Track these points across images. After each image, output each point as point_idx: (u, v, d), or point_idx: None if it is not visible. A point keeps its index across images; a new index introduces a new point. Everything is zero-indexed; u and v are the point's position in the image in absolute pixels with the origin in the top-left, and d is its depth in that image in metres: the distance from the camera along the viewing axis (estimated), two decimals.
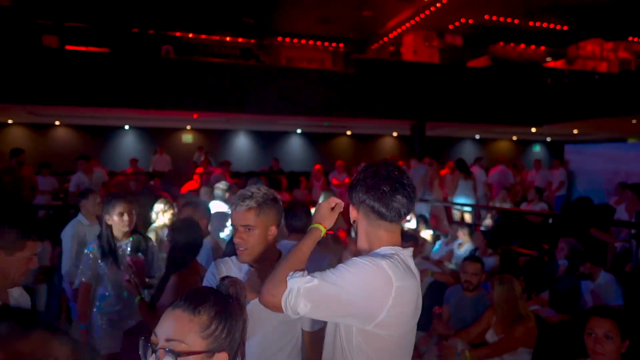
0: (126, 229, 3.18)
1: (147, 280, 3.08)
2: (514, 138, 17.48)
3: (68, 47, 10.33)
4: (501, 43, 15.60)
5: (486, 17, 13.29)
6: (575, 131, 14.57)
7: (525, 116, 12.29)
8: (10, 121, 12.63)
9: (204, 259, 3.19)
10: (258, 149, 14.72)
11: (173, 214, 4.09)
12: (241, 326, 1.19)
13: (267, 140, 14.77)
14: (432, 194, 8.88)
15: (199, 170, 10.15)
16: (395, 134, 15.85)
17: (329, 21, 13.61)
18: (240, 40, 14.24)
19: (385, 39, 15.48)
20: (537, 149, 17.99)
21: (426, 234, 6.44)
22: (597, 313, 2.21)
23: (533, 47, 16.08)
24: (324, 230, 1.61)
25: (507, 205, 8.29)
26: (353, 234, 1.60)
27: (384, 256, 1.44)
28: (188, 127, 14.11)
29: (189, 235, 2.66)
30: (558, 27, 14.25)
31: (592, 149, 12.19)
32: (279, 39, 15.02)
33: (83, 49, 10.39)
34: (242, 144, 14.70)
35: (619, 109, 10.34)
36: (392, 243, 1.52)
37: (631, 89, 10.15)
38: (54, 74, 9.10)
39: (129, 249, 3.21)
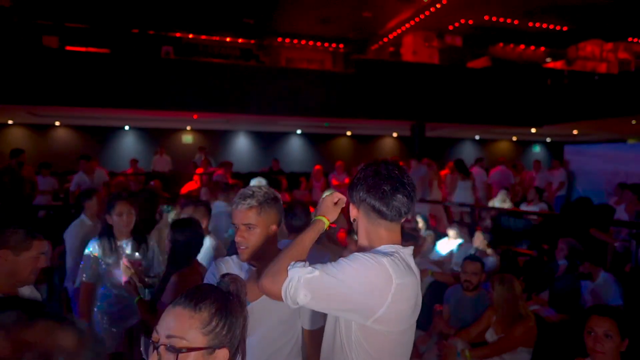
0: (126, 228, 3.18)
1: (147, 280, 3.09)
2: (514, 139, 17.49)
3: (68, 48, 10.34)
4: (501, 44, 15.62)
5: (486, 17, 13.31)
6: (575, 132, 14.58)
7: (525, 117, 12.30)
8: (10, 122, 12.64)
9: (204, 259, 3.20)
10: (258, 149, 14.73)
11: (177, 214, 4.11)
12: (242, 323, 1.20)
13: (267, 141, 14.78)
14: (431, 194, 8.89)
15: (199, 170, 10.16)
16: (395, 134, 15.86)
17: (329, 22, 13.63)
18: (240, 40, 14.26)
19: (385, 39, 15.50)
20: (537, 149, 17.99)
21: (426, 234, 6.43)
22: (597, 312, 2.22)
23: (533, 47, 16.11)
24: (327, 223, 1.62)
25: (507, 206, 8.29)
26: (355, 237, 1.61)
27: (385, 254, 1.45)
28: (188, 128, 14.12)
29: (189, 234, 2.67)
30: (558, 27, 14.27)
31: (592, 150, 12.19)
32: (279, 39, 15.04)
33: (83, 49, 10.39)
34: (242, 145, 14.70)
35: (619, 110, 10.35)
36: (392, 241, 1.53)
37: (631, 90, 10.17)
38: (54, 74, 9.11)
39: (129, 248, 3.21)
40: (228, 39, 14.14)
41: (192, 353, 1.09)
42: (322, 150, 15.22)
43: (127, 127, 13.67)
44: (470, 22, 13.69)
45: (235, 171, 10.77)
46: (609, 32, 14.44)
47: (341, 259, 1.43)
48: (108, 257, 3.12)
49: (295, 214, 2.96)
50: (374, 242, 1.53)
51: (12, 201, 6.65)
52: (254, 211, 1.86)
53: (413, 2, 12.33)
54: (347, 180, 9.65)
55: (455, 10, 12.67)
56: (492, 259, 5.23)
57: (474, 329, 3.38)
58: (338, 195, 1.68)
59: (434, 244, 6.20)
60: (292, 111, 10.63)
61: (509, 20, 13.56)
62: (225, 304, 1.17)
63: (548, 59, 15.90)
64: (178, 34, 13.26)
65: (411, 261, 1.53)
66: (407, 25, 14.14)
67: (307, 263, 1.42)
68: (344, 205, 1.68)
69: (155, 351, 1.10)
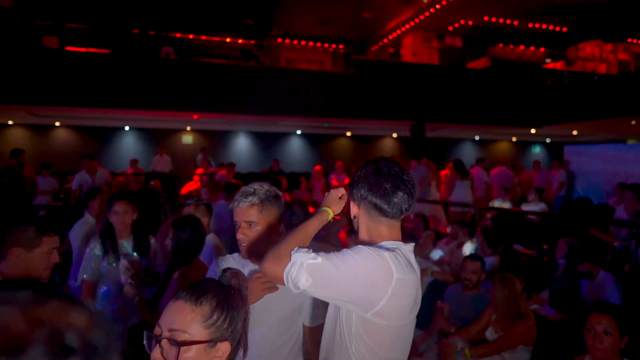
0: (123, 227, 3.20)
1: (147, 279, 3.10)
2: (514, 139, 17.50)
3: (69, 48, 10.35)
4: (501, 44, 15.64)
5: (486, 18, 13.33)
6: (574, 132, 14.59)
7: (525, 117, 12.31)
8: (10, 122, 12.65)
9: (206, 257, 3.21)
10: (258, 150, 14.74)
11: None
12: (243, 316, 1.21)
13: (267, 141, 14.78)
14: (429, 194, 8.92)
15: (199, 171, 10.18)
16: (395, 135, 15.87)
17: (329, 22, 13.65)
18: (240, 41, 14.27)
19: (385, 40, 15.53)
20: (536, 150, 18.00)
21: (426, 234, 6.44)
22: (597, 309, 2.23)
23: (532, 48, 16.12)
24: (331, 214, 1.64)
25: (506, 206, 8.31)
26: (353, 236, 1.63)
27: (387, 249, 1.46)
28: (188, 128, 14.13)
29: (191, 232, 2.68)
30: (557, 28, 14.29)
31: (592, 150, 12.19)
32: (279, 40, 15.05)
33: (83, 50, 10.41)
34: (242, 145, 14.71)
35: (619, 110, 10.36)
36: (393, 238, 1.55)
37: (630, 90, 10.18)
38: (55, 75, 9.12)
39: (129, 247, 3.23)
40: (228, 40, 14.16)
41: (194, 346, 1.10)
42: (322, 151, 15.23)
43: (127, 128, 13.68)
44: (470, 22, 13.71)
45: (236, 171, 10.78)
46: (609, 32, 14.47)
47: (345, 249, 1.44)
48: (109, 256, 3.13)
49: (294, 212, 2.98)
50: (375, 239, 1.54)
51: (13, 201, 6.66)
52: (255, 209, 1.88)
53: (413, 3, 12.36)
54: (347, 181, 9.66)
55: (455, 11, 12.69)
56: (492, 259, 5.24)
57: (474, 328, 3.39)
58: (342, 190, 1.71)
59: (434, 244, 6.21)
60: (292, 111, 10.64)
61: (508, 21, 13.59)
62: (226, 297, 1.18)
63: (548, 60, 15.92)
64: (178, 35, 13.28)
65: (412, 258, 1.54)
66: (407, 26, 14.17)
67: (311, 250, 1.43)
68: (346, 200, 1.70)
69: (157, 345, 1.11)
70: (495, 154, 16.20)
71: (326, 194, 1.73)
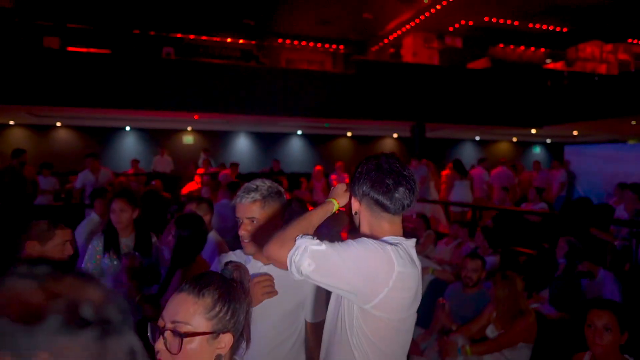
0: (121, 225, 3.22)
1: (149, 277, 3.11)
2: (514, 139, 17.51)
3: (69, 49, 10.36)
4: (501, 45, 15.66)
5: (486, 19, 13.35)
6: (575, 132, 14.60)
7: (525, 118, 12.32)
8: (11, 122, 12.66)
9: (208, 254, 3.22)
10: (258, 150, 14.75)
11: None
12: (245, 308, 1.22)
13: (268, 142, 14.79)
14: (430, 194, 8.93)
15: (200, 171, 10.20)
16: (395, 135, 15.88)
17: (329, 23, 13.67)
18: (240, 41, 14.29)
19: (386, 40, 15.54)
20: (537, 150, 18.01)
21: (426, 233, 6.45)
22: (597, 306, 2.24)
23: (533, 49, 16.14)
24: (336, 206, 1.67)
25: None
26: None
27: (389, 243, 1.47)
28: (189, 129, 14.14)
29: (193, 230, 2.68)
30: (557, 29, 14.31)
31: (592, 150, 12.21)
32: (279, 40, 15.08)
33: (84, 50, 10.41)
34: (242, 145, 14.72)
35: (619, 110, 10.37)
36: (394, 233, 1.56)
37: (630, 91, 10.19)
38: (56, 75, 9.13)
39: (131, 246, 3.24)
40: (229, 40, 14.17)
41: (197, 337, 1.11)
42: (323, 151, 15.24)
43: (128, 128, 13.69)
44: (470, 23, 13.72)
45: None
46: (609, 33, 14.48)
47: (349, 240, 1.45)
48: (110, 253, 3.15)
49: (292, 210, 2.99)
50: (376, 235, 1.55)
51: (14, 201, 6.68)
52: (257, 205, 1.89)
53: (413, 4, 12.37)
54: (347, 181, 9.66)
55: (455, 11, 12.71)
56: (492, 258, 5.25)
57: (475, 325, 3.40)
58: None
59: (434, 244, 6.23)
60: (292, 112, 10.65)
61: (508, 22, 13.60)
62: (228, 290, 1.19)
63: (548, 60, 15.93)
64: (179, 35, 13.30)
65: (413, 253, 1.55)
66: (407, 27, 14.18)
67: (316, 237, 1.44)
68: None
69: (161, 336, 1.12)
70: (496, 155, 16.21)
71: (332, 187, 1.75)
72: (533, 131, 13.44)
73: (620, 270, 5.11)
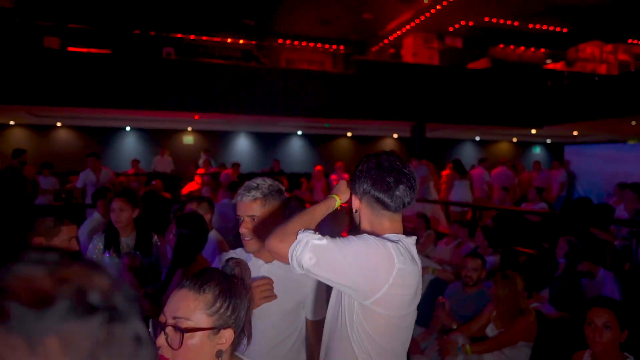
0: (120, 224, 3.23)
1: (149, 275, 3.12)
2: (514, 140, 17.52)
3: (70, 49, 10.37)
4: (501, 45, 15.66)
5: (486, 19, 13.36)
6: (575, 133, 14.61)
7: (525, 118, 12.32)
8: (12, 122, 12.67)
9: (209, 253, 3.22)
10: (259, 150, 14.76)
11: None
12: (246, 305, 1.23)
13: (268, 142, 14.80)
14: (429, 194, 8.94)
15: (200, 171, 10.21)
16: (395, 135, 15.89)
17: (329, 23, 13.68)
18: (241, 41, 14.30)
19: (386, 41, 15.55)
20: (537, 150, 18.02)
21: (427, 233, 6.46)
22: (597, 304, 2.24)
23: (533, 49, 16.14)
24: (339, 202, 1.68)
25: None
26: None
27: (390, 240, 1.48)
28: (189, 129, 14.15)
29: (194, 229, 2.68)
30: (558, 29, 14.31)
31: (592, 150, 12.22)
32: (279, 40, 15.09)
33: (85, 50, 10.42)
34: (242, 145, 14.73)
35: (619, 111, 10.37)
36: (395, 231, 1.57)
37: (630, 91, 10.19)
38: (56, 75, 9.14)
39: (131, 245, 3.25)
40: (229, 40, 14.18)
41: (198, 333, 1.12)
42: (323, 151, 15.25)
43: (128, 128, 13.70)
44: (471, 23, 13.73)
45: None
46: (609, 33, 14.49)
47: (350, 236, 1.46)
48: (110, 252, 3.16)
49: (291, 208, 2.99)
50: (377, 233, 1.56)
51: (14, 201, 6.68)
52: (258, 203, 1.90)
53: (413, 4, 12.38)
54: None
55: (455, 11, 12.72)
56: (492, 258, 5.26)
57: (475, 324, 3.40)
58: None
59: (435, 243, 6.23)
60: (292, 112, 10.66)
61: (509, 22, 13.61)
62: (229, 286, 1.20)
63: (548, 61, 15.94)
64: (179, 35, 13.31)
65: (414, 251, 1.56)
66: (408, 27, 14.19)
67: (318, 232, 1.45)
68: None
69: (162, 332, 1.13)
70: (496, 155, 16.22)
71: (336, 184, 1.76)
72: (533, 131, 13.45)
73: (620, 270, 5.11)
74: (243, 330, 1.22)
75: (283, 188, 2.02)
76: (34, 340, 0.35)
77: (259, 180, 1.96)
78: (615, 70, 14.51)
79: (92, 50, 10.53)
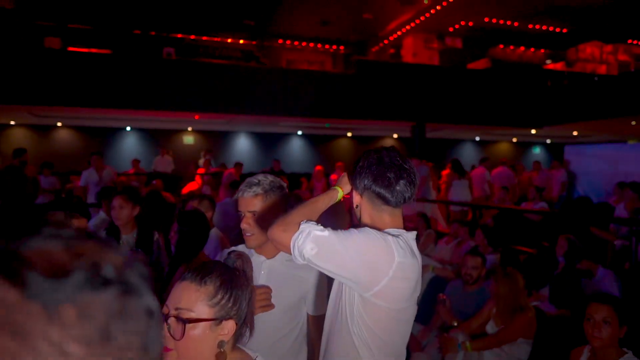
0: (120, 222, 3.24)
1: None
2: (514, 140, 17.53)
3: (70, 49, 10.38)
4: (501, 45, 15.67)
5: (486, 19, 13.37)
6: (575, 133, 14.62)
7: (525, 118, 12.33)
8: (12, 122, 12.69)
9: (210, 250, 3.24)
10: (259, 150, 14.77)
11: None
12: (247, 296, 1.24)
13: (268, 142, 14.82)
14: (429, 194, 8.96)
15: (201, 171, 10.22)
16: (395, 135, 15.90)
17: (329, 24, 13.69)
18: (241, 42, 14.31)
19: (386, 41, 15.56)
20: (537, 151, 18.03)
21: (427, 232, 6.48)
22: (596, 299, 2.25)
23: (533, 49, 16.15)
24: (341, 193, 1.71)
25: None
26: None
27: (391, 234, 1.50)
28: (189, 129, 14.17)
29: (196, 226, 2.70)
30: (557, 29, 14.32)
31: (592, 150, 12.24)
32: (280, 41, 15.10)
33: (85, 50, 10.43)
34: (243, 145, 14.75)
35: (619, 111, 10.38)
36: (395, 226, 1.58)
37: (630, 91, 10.20)
38: (57, 75, 9.15)
39: (132, 242, 3.26)
40: (229, 40, 14.20)
41: (200, 324, 1.14)
42: (323, 151, 15.26)
43: (128, 128, 13.72)
44: (471, 24, 13.74)
45: None
46: (609, 34, 14.50)
47: (351, 229, 1.47)
48: None
49: (290, 205, 3.01)
50: (377, 228, 1.57)
51: (15, 200, 6.69)
52: (259, 199, 1.91)
53: (413, 4, 12.39)
54: None
55: (455, 12, 12.73)
56: (492, 257, 5.27)
57: (475, 322, 3.41)
58: None
59: (435, 243, 6.25)
60: (292, 112, 10.67)
61: (508, 22, 13.62)
62: (230, 277, 1.22)
63: (548, 61, 15.94)
64: (179, 35, 13.32)
65: (414, 245, 1.57)
66: (408, 27, 14.20)
67: (320, 224, 1.46)
68: None
69: (165, 323, 1.14)
70: (496, 155, 16.22)
71: (340, 176, 1.78)
72: (533, 131, 13.45)
73: (620, 269, 5.12)
74: (245, 322, 1.23)
75: (284, 184, 2.03)
76: (51, 307, 0.37)
77: (260, 177, 1.97)
78: (615, 71, 14.52)
79: (93, 50, 10.54)
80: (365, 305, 1.47)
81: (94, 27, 12.53)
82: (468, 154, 16.34)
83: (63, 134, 13.34)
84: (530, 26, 13.94)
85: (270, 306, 1.80)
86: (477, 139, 17.11)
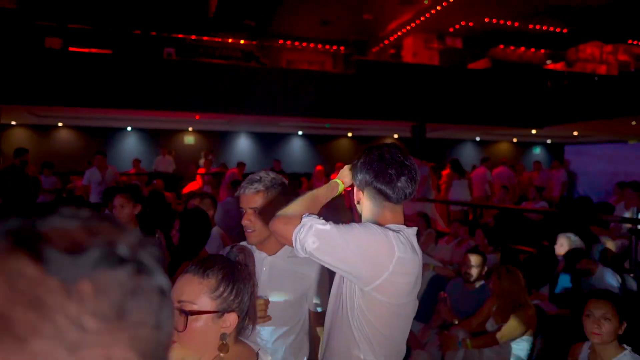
0: (124, 220, 3.25)
1: None
2: (514, 140, 17.54)
3: (71, 49, 10.39)
4: (501, 46, 15.67)
5: (486, 20, 13.37)
6: (575, 133, 14.62)
7: (526, 118, 12.33)
8: (13, 122, 12.70)
9: (212, 249, 3.25)
10: (259, 150, 14.79)
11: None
12: (249, 289, 1.25)
13: (268, 142, 14.83)
14: (430, 194, 8.97)
15: (201, 171, 10.23)
16: (395, 135, 15.90)
17: (330, 24, 13.70)
18: (241, 42, 14.32)
19: (386, 41, 15.57)
20: (537, 151, 18.03)
21: (427, 232, 6.48)
22: (596, 296, 2.26)
23: (533, 49, 16.15)
24: (342, 186, 1.71)
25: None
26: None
27: (392, 230, 1.51)
28: (190, 129, 14.18)
29: (197, 225, 2.71)
30: (558, 30, 14.33)
31: (592, 150, 12.25)
32: (280, 41, 15.11)
33: (86, 50, 10.45)
34: (243, 146, 14.76)
35: (619, 111, 10.38)
36: (396, 222, 1.60)
37: (630, 91, 10.20)
38: (57, 75, 9.16)
39: None
40: (229, 41, 14.20)
41: (202, 316, 1.15)
42: (323, 151, 15.27)
43: (129, 128, 13.74)
44: (471, 24, 13.75)
45: None
46: (609, 34, 14.50)
47: (353, 223, 1.49)
48: None
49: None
50: (379, 223, 1.58)
51: (16, 199, 6.70)
52: (260, 195, 1.92)
53: (413, 5, 12.40)
54: None
55: (455, 12, 12.73)
56: (492, 257, 5.28)
57: (475, 320, 3.42)
58: None
59: (435, 242, 6.25)
60: (293, 112, 10.68)
61: (509, 23, 13.62)
62: (232, 271, 1.23)
63: (548, 61, 15.95)
64: (180, 35, 13.33)
65: (414, 241, 1.59)
66: (408, 28, 14.21)
67: (322, 218, 1.47)
68: None
69: None
70: (496, 155, 16.23)
71: (341, 169, 1.79)
72: (533, 132, 13.46)
73: (619, 268, 5.12)
74: (247, 315, 1.25)
75: (285, 181, 2.04)
76: (68, 282, 0.38)
77: (261, 174, 1.99)
78: (615, 71, 14.52)
79: (93, 50, 10.56)
80: (365, 299, 1.48)
81: (95, 27, 12.54)
82: (468, 154, 16.34)
83: (64, 134, 13.36)
84: (530, 26, 13.94)
85: (267, 318, 1.80)
86: (478, 139, 17.12)
